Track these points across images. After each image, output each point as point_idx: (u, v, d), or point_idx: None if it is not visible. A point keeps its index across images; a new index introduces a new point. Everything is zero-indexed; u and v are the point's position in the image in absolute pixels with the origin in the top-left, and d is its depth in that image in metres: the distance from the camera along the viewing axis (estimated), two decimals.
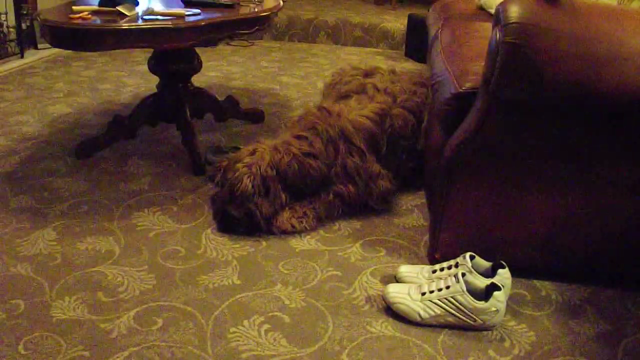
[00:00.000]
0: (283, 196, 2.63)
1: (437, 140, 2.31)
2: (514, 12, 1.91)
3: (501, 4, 1.98)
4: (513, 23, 1.89)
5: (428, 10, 4.10)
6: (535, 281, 2.29)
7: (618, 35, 1.91)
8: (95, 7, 2.92)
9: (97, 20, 2.71)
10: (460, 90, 2.17)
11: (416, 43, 5.57)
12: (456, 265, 2.14)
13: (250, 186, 2.53)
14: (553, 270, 2.31)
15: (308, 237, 2.53)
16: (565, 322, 2.09)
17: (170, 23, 2.70)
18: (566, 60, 1.89)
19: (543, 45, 1.88)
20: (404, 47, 5.91)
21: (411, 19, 5.68)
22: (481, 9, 3.47)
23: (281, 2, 3.49)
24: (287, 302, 2.12)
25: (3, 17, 5.12)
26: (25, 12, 5.32)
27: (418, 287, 2.08)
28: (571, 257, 2.26)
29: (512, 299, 2.17)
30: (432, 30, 3.53)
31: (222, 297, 2.14)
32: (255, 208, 2.55)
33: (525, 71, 1.90)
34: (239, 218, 2.55)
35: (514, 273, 2.18)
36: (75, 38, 2.63)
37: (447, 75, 2.34)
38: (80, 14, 2.73)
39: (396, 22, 6.10)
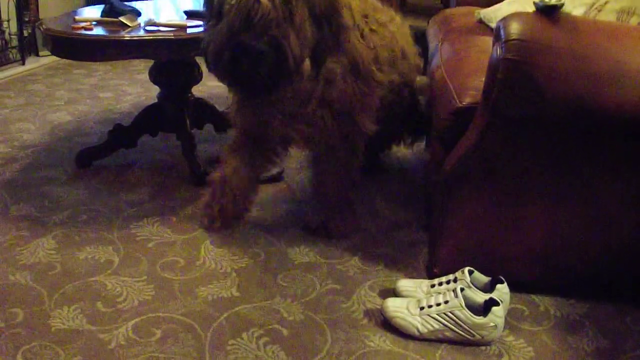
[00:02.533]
0: (309, 32, 2.10)
1: (437, 154, 2.31)
2: (515, 28, 1.92)
3: (502, 20, 1.99)
4: (514, 40, 1.90)
5: (427, 22, 4.11)
6: (534, 296, 2.29)
7: (617, 52, 1.92)
8: (98, 18, 2.93)
9: (100, 31, 2.73)
10: (460, 105, 2.18)
11: None
12: (455, 280, 2.14)
13: (270, 6, 1.97)
14: (552, 285, 2.31)
15: (307, 249, 2.53)
16: (564, 338, 2.09)
17: (172, 34, 2.71)
18: (566, 77, 1.90)
19: (543, 62, 1.89)
20: None
21: (410, 31, 5.69)
22: (481, 22, 3.48)
23: None
24: (285, 315, 2.12)
25: (5, 25, 5.14)
26: (27, 20, 5.34)
27: (417, 301, 2.09)
28: (570, 272, 2.27)
29: (510, 314, 2.17)
30: (432, 43, 3.55)
31: (221, 309, 2.15)
32: (283, 38, 2.02)
33: (526, 88, 1.91)
34: (264, 51, 1.99)
35: (513, 288, 2.18)
36: (78, 48, 2.65)
37: (447, 89, 2.35)
38: (83, 24, 2.74)
39: None
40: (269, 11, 1.96)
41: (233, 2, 2.00)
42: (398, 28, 2.88)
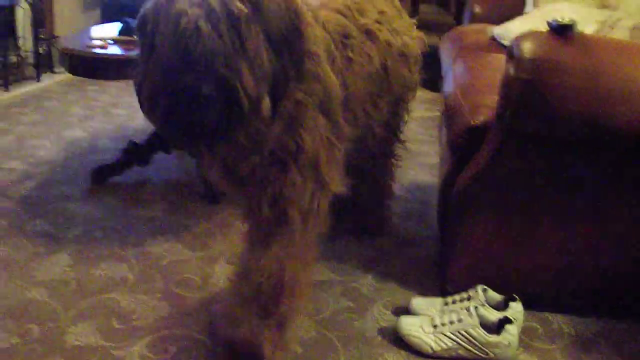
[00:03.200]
0: (267, 62, 1.60)
1: (450, 172, 2.32)
2: (528, 48, 1.93)
3: (515, 39, 2.00)
4: (527, 59, 1.91)
5: (439, 38, 4.12)
6: (547, 314, 2.29)
7: (629, 70, 1.94)
8: (114, 36, 2.96)
9: (116, 49, 2.75)
10: (474, 123, 2.18)
11: (429, 72, 5.59)
12: (468, 298, 2.14)
13: (214, 35, 1.50)
14: (566, 303, 2.31)
15: (320, 266, 2.53)
16: (578, 357, 2.09)
17: None
18: (579, 96, 1.90)
19: (556, 81, 1.90)
20: None
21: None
22: (494, 39, 3.49)
23: None
24: (299, 332, 2.13)
25: (21, 42, 5.19)
26: (42, 37, 5.39)
27: (430, 319, 2.09)
28: (584, 290, 2.27)
29: (524, 332, 2.16)
30: (445, 60, 3.56)
31: None
32: (233, 76, 1.52)
33: (539, 106, 1.92)
34: (210, 96, 1.51)
35: (526, 305, 2.18)
36: (94, 67, 2.68)
37: (460, 107, 2.36)
38: (99, 43, 2.77)
39: None
40: (213, 42, 1.49)
41: (166, 31, 1.53)
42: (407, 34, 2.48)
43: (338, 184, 1.95)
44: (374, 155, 2.61)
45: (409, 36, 2.49)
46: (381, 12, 2.32)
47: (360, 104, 2.15)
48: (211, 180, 2.15)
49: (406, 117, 2.67)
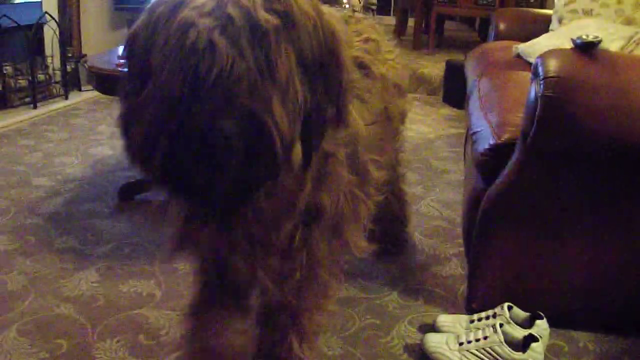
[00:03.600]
0: (300, 94, 1.19)
1: (476, 190, 2.32)
2: (553, 66, 1.94)
3: (540, 57, 2.01)
4: (552, 77, 1.92)
5: (464, 55, 4.14)
6: (573, 332, 2.27)
7: None
8: None
9: None
10: (499, 141, 2.19)
11: (454, 89, 5.60)
12: (494, 316, 2.14)
13: (234, 53, 1.10)
14: (592, 321, 2.29)
15: (346, 284, 2.53)
16: None
17: None
18: (604, 113, 1.91)
19: (581, 98, 1.91)
20: (441, 92, 5.93)
21: (449, 65, 5.72)
22: (519, 57, 3.50)
23: None
24: (325, 349, 2.13)
25: (49, 60, 5.27)
26: (70, 55, 5.47)
27: (456, 336, 2.09)
28: (610, 307, 2.26)
29: (549, 349, 2.16)
30: (470, 78, 3.57)
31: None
32: (262, 108, 1.11)
33: (564, 124, 1.93)
34: (231, 137, 1.09)
35: (552, 323, 2.17)
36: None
37: (486, 126, 2.37)
38: None
39: (433, 68, 6.14)
40: (233, 61, 1.09)
41: (166, 48, 1.13)
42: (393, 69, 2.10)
43: (361, 246, 1.72)
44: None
45: (398, 64, 2.19)
46: (367, 40, 1.95)
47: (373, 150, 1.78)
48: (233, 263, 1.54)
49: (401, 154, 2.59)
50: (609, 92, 1.92)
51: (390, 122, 2.03)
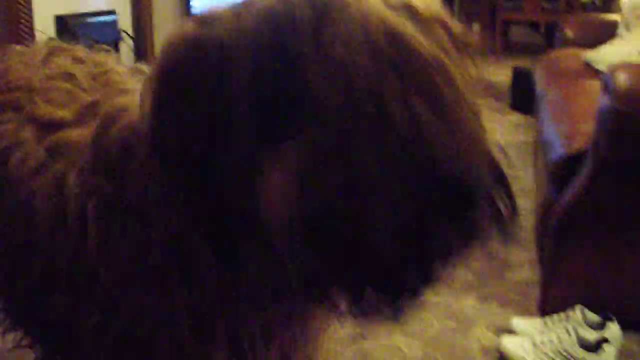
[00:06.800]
0: None
1: (547, 199, 2.40)
2: (623, 78, 2.01)
3: (609, 70, 2.09)
4: (622, 90, 1.99)
5: (530, 61, 4.19)
6: None
7: None
8: None
9: None
10: (569, 151, 2.27)
11: (522, 95, 5.62)
12: (567, 319, 2.22)
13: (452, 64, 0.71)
14: None
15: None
16: None
17: None
18: None
19: None
20: (509, 99, 5.95)
21: (516, 71, 5.74)
22: (587, 65, 3.55)
23: None
24: (406, 350, 2.24)
25: None
26: None
27: (530, 339, 2.17)
28: None
29: (622, 352, 2.21)
30: (539, 85, 3.63)
31: (345, 345, 2.28)
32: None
33: (633, 136, 2.00)
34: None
35: (625, 327, 2.23)
36: None
37: (556, 135, 2.44)
38: None
39: (500, 74, 6.17)
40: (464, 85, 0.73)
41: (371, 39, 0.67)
42: None
43: None
44: None
45: None
46: None
47: None
48: None
49: None
50: None
51: None
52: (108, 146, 0.91)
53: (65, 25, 4.52)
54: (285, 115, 0.68)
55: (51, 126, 1.08)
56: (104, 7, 5.01)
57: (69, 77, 1.20)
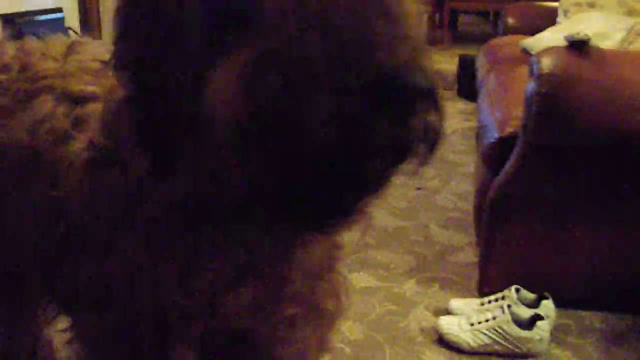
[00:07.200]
0: None
1: (483, 182, 2.47)
2: (547, 63, 2.08)
3: (535, 56, 2.16)
4: (545, 74, 2.06)
5: (479, 49, 4.25)
6: (580, 312, 2.40)
7: None
8: None
9: None
10: (502, 135, 2.33)
11: (468, 83, 5.67)
12: (503, 298, 2.28)
13: None
14: (597, 301, 2.42)
15: (366, 275, 2.68)
16: (608, 349, 2.21)
17: None
18: (597, 108, 2.05)
19: (574, 94, 2.05)
20: (456, 87, 6.01)
21: (462, 60, 5.81)
22: (525, 51, 3.61)
23: None
24: (348, 334, 2.29)
25: None
26: None
27: (468, 318, 2.24)
28: (615, 289, 2.40)
29: (557, 328, 2.29)
30: (480, 72, 3.70)
31: None
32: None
33: (559, 119, 2.07)
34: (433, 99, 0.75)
35: (560, 304, 2.30)
36: None
37: (491, 120, 2.51)
38: None
39: (448, 63, 6.23)
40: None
41: None
42: None
43: None
44: None
45: None
46: None
47: None
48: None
49: None
50: (600, 87, 2.06)
51: None
52: (109, 110, 1.02)
53: (12, 23, 4.48)
54: (235, 23, 0.73)
55: (82, 100, 1.18)
56: (51, 5, 4.97)
57: (99, 61, 1.27)
